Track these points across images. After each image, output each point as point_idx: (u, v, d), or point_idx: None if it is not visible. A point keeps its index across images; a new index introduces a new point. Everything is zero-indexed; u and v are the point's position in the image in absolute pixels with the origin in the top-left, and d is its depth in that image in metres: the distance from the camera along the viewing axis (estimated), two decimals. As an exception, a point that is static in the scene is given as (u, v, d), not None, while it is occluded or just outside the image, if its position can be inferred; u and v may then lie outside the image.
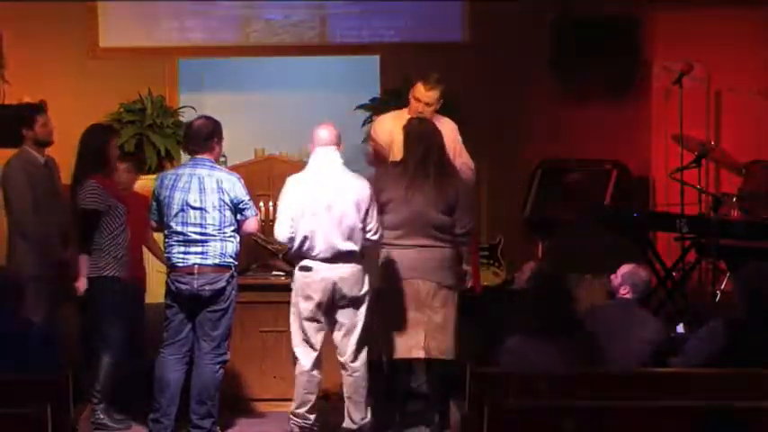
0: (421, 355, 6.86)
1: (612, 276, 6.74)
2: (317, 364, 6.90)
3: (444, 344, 6.92)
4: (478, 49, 10.41)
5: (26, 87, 9.86)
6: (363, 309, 6.88)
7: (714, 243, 8.50)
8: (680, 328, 7.65)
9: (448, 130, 7.79)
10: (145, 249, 7.92)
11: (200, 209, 6.77)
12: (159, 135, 9.97)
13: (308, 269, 6.82)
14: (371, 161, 7.69)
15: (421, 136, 7.07)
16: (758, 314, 5.90)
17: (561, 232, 9.27)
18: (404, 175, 6.97)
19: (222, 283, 6.79)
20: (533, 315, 6.05)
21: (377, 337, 7.05)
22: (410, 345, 6.89)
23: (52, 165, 7.64)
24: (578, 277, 8.08)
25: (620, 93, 10.38)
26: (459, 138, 7.73)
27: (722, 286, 8.85)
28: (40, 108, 7.87)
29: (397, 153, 7.70)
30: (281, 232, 6.84)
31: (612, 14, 10.22)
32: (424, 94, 7.61)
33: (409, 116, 7.71)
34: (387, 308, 6.95)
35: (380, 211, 6.94)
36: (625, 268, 6.70)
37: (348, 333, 6.88)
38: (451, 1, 10.56)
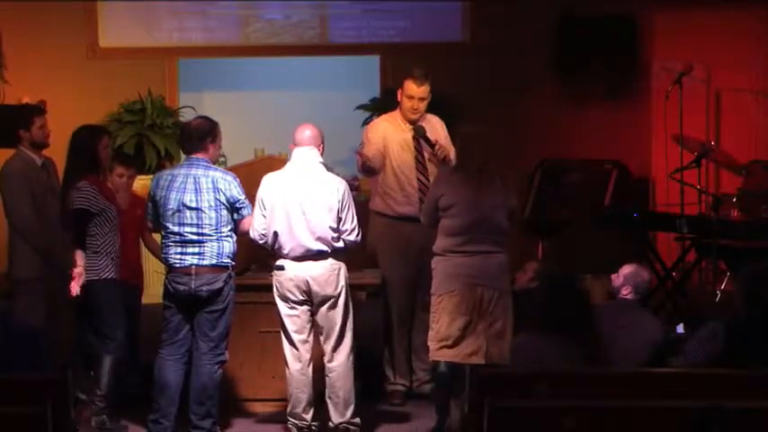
0: (481, 361, 6.77)
1: (613, 276, 6.74)
2: (305, 362, 6.92)
3: (505, 349, 6.82)
4: (478, 49, 10.41)
5: (26, 87, 9.86)
6: (340, 309, 6.90)
7: (714, 243, 8.50)
8: (680, 328, 7.64)
9: (439, 126, 7.81)
10: (144, 250, 7.91)
11: (197, 209, 6.77)
12: (159, 135, 9.98)
13: (281, 268, 6.86)
14: (360, 168, 7.67)
15: (480, 139, 7.01)
16: (758, 314, 5.89)
17: (562, 233, 9.27)
18: (467, 179, 6.90)
19: (220, 284, 6.79)
20: (547, 314, 6.02)
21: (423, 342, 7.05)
22: (469, 351, 6.83)
23: (50, 166, 7.63)
24: (578, 277, 8.08)
25: (620, 93, 10.39)
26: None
27: (722, 286, 8.85)
28: (38, 110, 7.84)
29: (393, 157, 7.70)
30: (252, 229, 6.89)
31: (612, 14, 10.22)
32: (416, 90, 7.62)
33: (402, 118, 7.72)
34: (444, 315, 6.92)
35: (439, 217, 6.94)
36: (627, 269, 6.69)
37: (327, 334, 6.92)
38: (451, 1, 10.57)
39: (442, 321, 6.87)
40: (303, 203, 6.82)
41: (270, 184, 6.92)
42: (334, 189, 6.87)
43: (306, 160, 6.90)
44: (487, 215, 6.86)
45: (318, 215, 6.82)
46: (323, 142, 6.98)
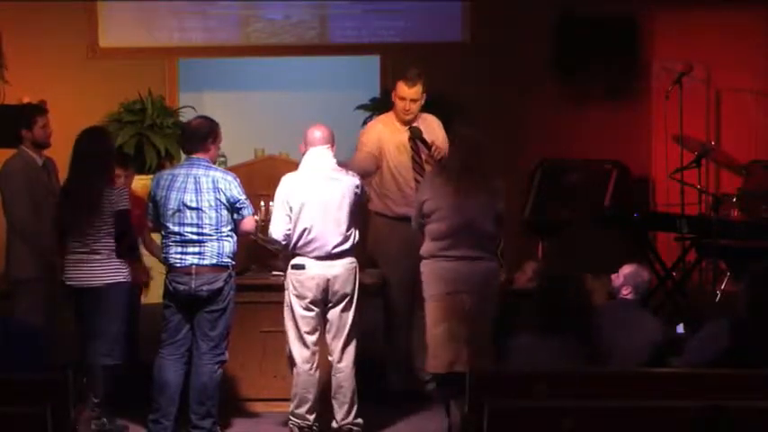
0: (462, 369, 6.76)
1: (614, 276, 6.74)
2: (314, 362, 6.92)
3: (485, 355, 6.83)
4: (478, 49, 10.41)
5: (26, 87, 9.85)
6: (353, 308, 6.93)
7: (714, 243, 8.50)
8: (680, 328, 7.64)
9: (436, 126, 7.79)
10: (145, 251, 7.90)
11: (197, 209, 6.77)
12: (159, 135, 9.98)
13: (300, 267, 6.86)
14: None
15: (467, 141, 6.99)
16: (760, 315, 5.88)
17: (562, 233, 9.27)
18: (450, 182, 6.90)
19: (220, 284, 6.79)
20: (544, 314, 6.02)
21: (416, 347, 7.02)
22: (452, 359, 6.84)
23: (50, 166, 7.63)
24: (580, 277, 8.06)
25: (620, 93, 10.38)
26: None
27: (722, 286, 8.85)
28: (40, 109, 7.84)
29: (389, 159, 7.70)
30: (277, 230, 6.88)
31: (612, 14, 10.22)
32: (407, 92, 7.63)
33: (397, 120, 7.72)
34: (429, 321, 6.91)
35: (424, 222, 6.93)
36: (627, 269, 6.69)
37: (337, 333, 6.93)
38: (451, 1, 10.56)
39: (427, 327, 6.89)
40: (328, 202, 6.84)
41: (291, 184, 6.91)
42: (354, 187, 6.91)
43: (321, 160, 6.92)
44: (471, 219, 6.86)
45: (343, 213, 6.85)
46: (334, 142, 6.99)
